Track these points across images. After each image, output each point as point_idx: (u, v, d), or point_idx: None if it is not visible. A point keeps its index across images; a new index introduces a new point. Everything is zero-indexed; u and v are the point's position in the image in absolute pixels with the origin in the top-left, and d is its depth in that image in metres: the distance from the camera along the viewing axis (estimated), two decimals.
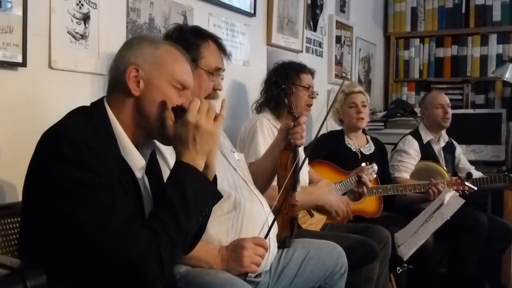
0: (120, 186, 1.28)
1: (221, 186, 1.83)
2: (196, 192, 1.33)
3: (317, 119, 3.74)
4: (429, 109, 3.57)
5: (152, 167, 1.51)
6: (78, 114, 1.38)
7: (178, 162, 1.36)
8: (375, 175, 2.97)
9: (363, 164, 2.88)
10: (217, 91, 1.96)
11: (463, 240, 3.22)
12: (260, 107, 2.75)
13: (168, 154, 1.72)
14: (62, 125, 1.33)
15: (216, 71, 1.92)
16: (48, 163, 1.26)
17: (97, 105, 1.41)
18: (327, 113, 2.18)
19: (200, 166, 1.37)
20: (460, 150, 3.75)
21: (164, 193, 1.33)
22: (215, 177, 1.47)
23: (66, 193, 1.23)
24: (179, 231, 1.28)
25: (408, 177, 3.40)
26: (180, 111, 1.38)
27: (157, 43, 1.46)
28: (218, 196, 1.46)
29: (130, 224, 1.24)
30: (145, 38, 1.48)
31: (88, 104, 1.45)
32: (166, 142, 1.45)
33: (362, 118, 3.16)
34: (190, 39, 1.89)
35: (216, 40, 1.95)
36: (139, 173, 1.40)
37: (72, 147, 1.24)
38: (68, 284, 1.27)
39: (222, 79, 2.00)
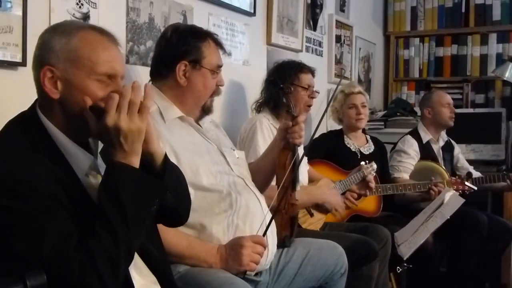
0: (55, 204, 1.18)
1: (219, 185, 1.85)
2: (134, 194, 1.22)
3: (315, 117, 3.74)
4: (436, 108, 3.52)
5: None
6: (13, 128, 1.30)
7: (109, 164, 1.26)
8: (374, 174, 2.97)
9: (362, 163, 2.88)
10: (220, 87, 1.98)
11: (463, 240, 3.22)
12: (260, 107, 2.75)
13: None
14: None
15: (218, 68, 1.95)
16: None
17: (30, 113, 1.32)
18: (324, 112, 2.16)
19: (134, 163, 1.25)
20: (458, 150, 3.75)
21: (99, 202, 1.22)
22: (165, 159, 1.37)
23: None
24: (116, 243, 1.18)
25: (408, 178, 3.40)
26: (99, 111, 1.25)
27: (70, 33, 1.29)
28: (163, 188, 1.33)
29: (62, 249, 1.15)
30: (56, 30, 1.31)
31: None
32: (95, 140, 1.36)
33: (362, 119, 3.16)
34: (190, 41, 1.90)
35: (213, 37, 1.96)
36: (92, 171, 1.32)
37: (2, 172, 1.16)
38: None
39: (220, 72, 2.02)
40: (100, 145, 1.39)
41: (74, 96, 1.27)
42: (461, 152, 3.78)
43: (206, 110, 1.97)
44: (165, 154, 1.38)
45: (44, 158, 1.23)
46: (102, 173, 1.33)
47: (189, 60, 1.89)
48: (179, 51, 1.89)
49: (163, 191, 1.34)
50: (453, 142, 3.72)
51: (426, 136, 3.55)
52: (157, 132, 1.39)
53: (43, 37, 1.32)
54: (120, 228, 1.19)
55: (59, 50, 1.27)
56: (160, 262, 1.45)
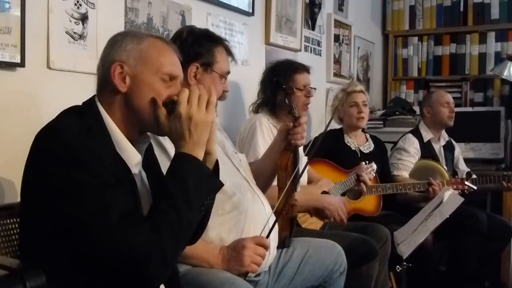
0: (116, 183, 1.27)
1: (224, 186, 1.84)
2: (197, 183, 1.32)
3: (316, 117, 3.74)
4: (435, 107, 3.53)
5: (149, 161, 1.51)
6: (70, 114, 1.37)
7: (178, 153, 1.36)
8: (374, 174, 2.97)
9: (362, 163, 2.88)
10: (226, 92, 2.01)
11: (462, 239, 3.22)
12: (257, 108, 2.74)
13: (169, 144, 1.73)
14: (54, 125, 1.33)
15: (227, 75, 1.98)
16: (42, 165, 1.26)
17: (89, 104, 1.41)
18: (332, 116, 2.16)
19: (200, 156, 1.37)
20: (458, 150, 3.75)
21: (165, 185, 1.33)
22: (217, 163, 1.47)
23: (63, 193, 1.23)
24: (181, 221, 1.27)
25: (407, 176, 3.40)
26: (171, 105, 1.37)
27: (141, 37, 1.43)
28: (219, 185, 1.46)
29: (129, 218, 1.24)
30: (128, 34, 1.46)
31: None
32: (162, 135, 1.47)
33: (363, 118, 3.16)
34: (205, 44, 1.92)
35: (225, 44, 1.99)
36: (135, 169, 1.40)
37: (65, 146, 1.25)
38: (70, 284, 1.27)
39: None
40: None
41: (140, 91, 1.38)
42: (461, 153, 3.78)
43: None
44: (217, 160, 1.47)
45: (103, 143, 1.32)
46: (142, 175, 1.45)
47: (201, 62, 1.91)
48: (193, 53, 1.91)
49: (218, 188, 1.46)
50: (454, 142, 3.72)
51: (427, 135, 3.55)
52: (216, 134, 1.48)
53: (114, 38, 1.44)
54: (185, 209, 1.28)
55: (130, 49, 1.39)
56: None
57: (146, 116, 1.38)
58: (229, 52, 1.99)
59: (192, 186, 1.30)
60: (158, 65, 1.39)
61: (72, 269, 1.27)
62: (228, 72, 1.98)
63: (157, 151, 1.65)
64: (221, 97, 1.98)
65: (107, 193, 1.24)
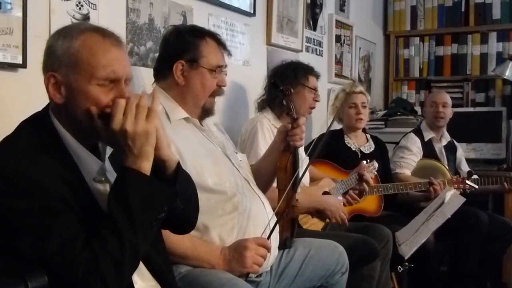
0: (62, 206, 1.19)
1: (224, 186, 1.84)
2: (143, 199, 1.22)
3: (315, 118, 3.74)
4: (426, 107, 3.66)
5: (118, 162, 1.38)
6: (25, 129, 1.31)
7: (120, 169, 1.26)
8: (376, 173, 2.97)
9: (364, 162, 2.88)
10: (222, 87, 1.96)
11: (463, 239, 3.22)
12: (262, 104, 2.75)
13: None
14: (2, 147, 1.27)
15: (218, 68, 1.92)
16: None
17: (43, 116, 1.33)
18: (334, 117, 2.16)
19: (144, 168, 1.25)
20: (461, 152, 3.75)
21: (108, 207, 1.23)
22: (177, 167, 1.37)
23: (5, 221, 1.17)
24: (122, 247, 1.19)
25: (409, 174, 3.42)
26: (107, 118, 1.25)
27: (72, 37, 1.28)
28: (171, 195, 1.32)
29: (67, 248, 1.17)
30: (60, 35, 1.31)
31: None
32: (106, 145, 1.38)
33: (361, 119, 3.16)
34: (187, 39, 1.89)
35: (214, 37, 1.94)
36: (99, 176, 1.33)
37: (5, 175, 1.17)
38: None
39: (226, 74, 1.99)
40: (109, 150, 1.40)
41: (77, 101, 1.27)
42: (463, 155, 3.78)
43: (206, 110, 1.95)
44: (178, 162, 1.38)
45: (54, 160, 1.24)
46: (109, 178, 1.35)
47: (186, 59, 1.87)
48: (176, 50, 1.88)
49: (172, 198, 1.33)
50: (456, 143, 3.73)
51: (428, 134, 3.58)
52: (168, 139, 1.38)
53: (48, 42, 1.33)
54: (127, 233, 1.20)
55: (60, 55, 1.28)
56: (161, 267, 1.45)
57: (86, 126, 1.28)
58: (220, 45, 1.93)
59: (136, 205, 1.21)
60: (91, 70, 1.26)
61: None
62: (220, 66, 1.92)
63: None
64: (215, 92, 1.93)
65: (47, 220, 1.17)
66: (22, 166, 1.19)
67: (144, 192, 1.23)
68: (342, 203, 2.66)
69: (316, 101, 2.72)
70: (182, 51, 1.87)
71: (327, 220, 2.75)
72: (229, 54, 2.02)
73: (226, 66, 1.97)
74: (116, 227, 1.19)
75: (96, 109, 1.26)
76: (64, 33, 1.31)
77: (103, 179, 1.35)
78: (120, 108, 1.24)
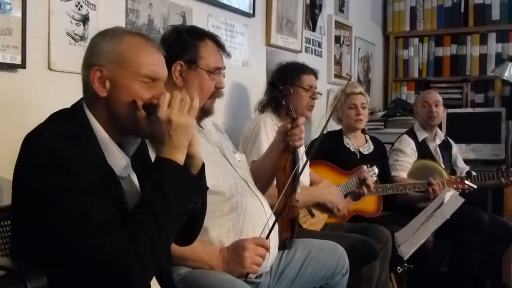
0: (99, 190, 1.26)
1: (222, 186, 1.84)
2: (176, 188, 1.30)
3: (315, 118, 3.74)
4: (418, 107, 3.64)
5: (141, 162, 1.49)
6: (57, 119, 1.37)
7: (156, 158, 1.34)
8: (376, 178, 2.97)
9: (364, 167, 2.88)
10: (220, 89, 1.95)
11: (464, 238, 3.22)
12: (263, 108, 2.75)
13: None
14: (40, 130, 1.32)
15: (217, 70, 1.91)
16: (26, 170, 1.27)
17: (76, 107, 1.40)
18: (329, 117, 2.16)
19: (180, 160, 1.34)
20: (456, 149, 3.75)
21: (143, 192, 1.32)
22: (203, 167, 1.45)
23: (44, 199, 1.23)
24: (159, 229, 1.26)
25: (405, 176, 3.42)
26: (152, 108, 1.34)
27: (120, 37, 1.39)
28: (203, 188, 1.44)
29: (107, 226, 1.22)
30: (107, 34, 1.41)
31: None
32: (142, 138, 1.46)
33: (361, 120, 3.16)
34: (187, 40, 1.88)
35: (213, 38, 1.93)
36: (124, 172, 1.39)
37: (48, 152, 1.24)
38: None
39: (224, 76, 1.99)
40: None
41: (120, 95, 1.35)
42: (459, 152, 3.78)
43: (205, 111, 1.95)
44: (203, 163, 1.45)
45: (87, 149, 1.31)
46: (132, 177, 1.42)
47: (185, 60, 1.86)
48: (175, 51, 1.87)
49: (202, 192, 1.44)
50: (451, 141, 3.73)
51: (421, 134, 3.58)
52: (198, 138, 1.45)
53: (93, 40, 1.41)
54: (163, 217, 1.27)
55: (108, 52, 1.36)
56: (162, 264, 1.46)
57: (126, 119, 1.36)
58: (218, 46, 1.93)
59: (171, 191, 1.29)
60: (137, 67, 1.36)
61: (56, 274, 1.25)
62: (218, 68, 1.91)
63: (150, 149, 1.60)
64: (214, 94, 1.93)
65: (87, 201, 1.23)
66: (68, 147, 1.26)
67: (179, 182, 1.31)
68: (343, 198, 2.67)
69: (314, 98, 2.71)
70: (181, 51, 1.86)
71: (327, 221, 2.75)
72: (228, 56, 2.01)
73: (224, 68, 1.97)
74: (154, 211, 1.26)
75: (139, 101, 1.35)
76: (111, 34, 1.41)
77: (126, 176, 1.40)
78: (167, 99, 1.33)
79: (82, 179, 1.24)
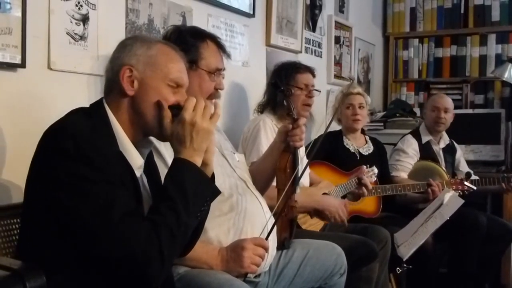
0: (121, 183, 1.30)
1: (221, 187, 1.83)
2: (195, 188, 1.35)
3: (319, 119, 3.74)
4: (426, 111, 3.63)
5: (149, 167, 1.53)
6: (78, 114, 1.40)
7: (177, 159, 1.39)
8: (375, 178, 2.97)
9: (364, 167, 2.88)
10: (219, 90, 1.95)
11: (462, 240, 3.22)
12: (262, 109, 2.75)
13: (167, 154, 1.72)
14: (63, 123, 1.36)
15: (217, 71, 1.91)
16: (50, 159, 1.29)
17: (96, 105, 1.44)
18: (332, 118, 2.15)
19: (198, 163, 1.39)
20: (460, 153, 3.75)
21: (164, 188, 1.35)
22: (213, 174, 1.49)
23: (68, 188, 1.25)
24: (179, 223, 1.30)
25: (406, 177, 3.42)
26: (177, 110, 1.40)
27: (151, 42, 1.47)
28: (216, 192, 1.48)
29: (130, 217, 1.26)
30: (138, 38, 1.50)
31: (87, 105, 1.47)
32: (163, 139, 1.48)
33: (358, 120, 3.16)
34: (189, 41, 1.88)
35: (215, 40, 1.94)
36: (137, 172, 1.43)
37: (73, 142, 1.27)
38: (69, 283, 1.28)
39: (223, 77, 1.99)
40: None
41: (148, 95, 1.42)
42: (462, 156, 3.78)
43: None
44: (213, 173, 1.49)
45: (108, 143, 1.36)
46: (143, 178, 1.48)
47: (186, 60, 1.87)
48: None
49: (215, 195, 1.48)
50: (456, 144, 3.73)
51: (426, 136, 3.57)
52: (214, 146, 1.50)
53: (124, 42, 1.48)
54: (183, 212, 1.31)
55: (140, 54, 1.43)
56: None
57: (150, 119, 1.42)
58: (219, 47, 1.94)
59: (191, 192, 1.33)
60: (166, 71, 1.43)
61: (71, 269, 1.28)
62: (219, 69, 1.92)
63: (156, 158, 1.65)
64: (212, 95, 1.92)
65: (111, 191, 1.26)
66: (93, 138, 1.31)
67: (197, 184, 1.37)
68: (344, 203, 2.65)
69: (310, 97, 2.70)
70: (182, 51, 1.87)
71: (326, 222, 2.75)
72: (229, 57, 2.02)
73: (224, 69, 1.97)
74: (174, 206, 1.30)
75: (165, 103, 1.41)
76: (142, 38, 1.50)
77: (139, 176, 1.44)
78: (193, 102, 1.39)
79: (106, 170, 1.27)
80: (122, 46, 1.46)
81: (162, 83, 1.42)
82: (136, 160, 1.43)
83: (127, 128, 1.42)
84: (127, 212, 1.26)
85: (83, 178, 1.25)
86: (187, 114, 1.38)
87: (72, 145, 1.27)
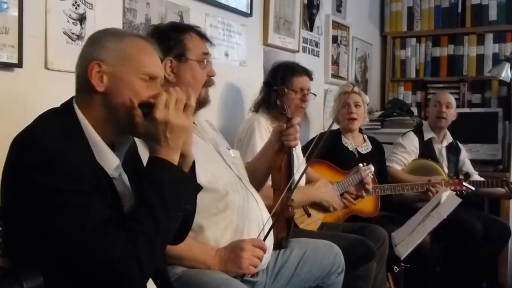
0: (94, 190, 1.25)
1: (217, 184, 1.84)
2: (174, 189, 1.30)
3: (313, 119, 3.74)
4: (430, 107, 3.68)
5: (131, 162, 1.47)
6: (47, 118, 1.35)
7: (153, 158, 1.33)
8: (372, 176, 2.97)
9: (360, 165, 2.88)
10: (212, 77, 1.96)
11: (456, 246, 3.23)
12: (258, 107, 2.75)
13: None
14: (30, 131, 1.30)
15: (205, 57, 1.91)
16: (19, 171, 1.24)
17: (67, 106, 1.37)
18: (333, 120, 2.14)
19: (175, 160, 1.34)
20: (465, 154, 3.76)
21: (141, 191, 1.30)
22: (193, 165, 1.45)
23: (40, 201, 1.20)
24: (157, 230, 1.26)
25: (399, 169, 3.47)
26: (148, 107, 1.33)
27: (122, 35, 1.40)
28: (197, 189, 1.45)
29: (105, 227, 1.21)
30: (108, 32, 1.42)
31: None
32: (137, 137, 1.44)
33: (353, 118, 3.16)
34: (172, 36, 1.89)
35: (195, 30, 1.95)
36: (115, 173, 1.37)
37: (40, 155, 1.21)
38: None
39: (210, 61, 1.98)
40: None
41: (119, 91, 1.34)
42: (467, 157, 3.78)
43: (202, 101, 1.94)
44: (194, 161, 1.45)
45: (79, 148, 1.29)
46: (123, 177, 1.41)
47: (173, 55, 1.87)
48: (162, 49, 1.87)
49: (197, 192, 1.45)
50: (460, 145, 3.74)
51: (428, 134, 3.61)
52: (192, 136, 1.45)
53: (94, 36, 1.41)
54: (162, 217, 1.27)
55: (110, 47, 1.36)
56: (160, 264, 1.46)
57: (122, 117, 1.34)
58: (201, 36, 1.94)
59: (169, 193, 1.29)
60: (138, 64, 1.36)
61: (53, 275, 1.24)
62: (205, 53, 1.92)
63: (141, 148, 1.59)
64: (207, 83, 1.93)
65: (84, 202, 1.21)
66: (61, 147, 1.24)
67: (175, 183, 1.31)
68: (337, 194, 2.68)
69: (304, 101, 2.68)
70: (168, 48, 1.87)
71: (326, 212, 2.75)
72: (212, 44, 2.02)
73: (210, 55, 1.97)
74: (152, 211, 1.26)
75: (137, 99, 1.34)
76: (111, 31, 1.43)
77: (117, 176, 1.39)
78: (164, 99, 1.32)
79: (77, 179, 1.22)
80: (92, 41, 1.39)
81: (135, 77, 1.35)
82: (112, 161, 1.36)
83: (100, 127, 1.35)
84: (102, 223, 1.21)
85: (54, 191, 1.20)
86: (159, 112, 1.31)
87: (39, 159, 1.21)
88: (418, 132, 3.63)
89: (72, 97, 1.39)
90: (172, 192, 1.29)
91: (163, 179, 1.29)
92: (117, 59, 1.35)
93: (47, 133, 1.27)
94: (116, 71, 1.34)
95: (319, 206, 2.64)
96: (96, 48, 1.36)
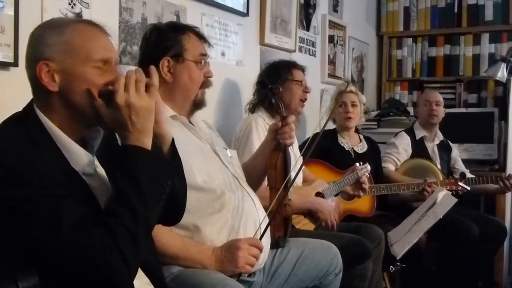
0: (64, 192, 1.21)
1: (212, 184, 1.84)
2: (149, 174, 1.26)
3: (310, 119, 3.75)
4: (419, 107, 3.71)
5: (110, 154, 1.39)
6: (8, 125, 1.30)
7: (123, 146, 1.28)
8: (369, 175, 2.98)
9: (357, 164, 2.89)
10: (209, 78, 1.96)
11: (452, 250, 3.23)
12: (253, 108, 2.75)
13: None
14: None
15: (202, 57, 1.92)
16: None
17: (27, 110, 1.33)
18: (328, 118, 2.16)
19: (147, 144, 1.28)
20: (456, 152, 3.78)
21: (116, 184, 1.26)
22: (173, 142, 1.42)
23: (9, 212, 1.16)
24: (137, 220, 1.22)
25: (393, 168, 3.48)
26: (109, 95, 1.27)
27: (61, 26, 1.31)
28: (175, 169, 1.40)
29: (80, 228, 1.18)
30: (46, 27, 1.33)
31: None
32: (106, 129, 1.37)
33: (350, 118, 3.16)
34: (170, 36, 1.89)
35: (194, 30, 1.95)
36: (89, 169, 1.33)
37: (3, 166, 1.17)
38: None
39: (208, 62, 1.99)
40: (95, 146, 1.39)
41: (74, 86, 1.29)
42: (459, 155, 3.80)
43: (198, 103, 1.95)
44: (173, 138, 1.41)
45: (46, 153, 1.25)
46: (99, 172, 1.36)
47: (171, 55, 1.87)
48: (160, 48, 1.88)
49: (175, 172, 1.39)
50: (450, 143, 3.76)
51: (420, 133, 3.64)
52: (165, 114, 1.40)
53: (34, 34, 1.33)
54: (139, 207, 1.23)
55: (52, 43, 1.29)
56: (152, 264, 1.46)
57: (85, 110, 1.29)
58: (199, 37, 1.95)
59: (144, 180, 1.24)
60: (86, 53, 1.29)
61: (47, 275, 1.22)
62: (203, 54, 1.92)
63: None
64: (204, 84, 1.94)
65: (55, 205, 1.18)
66: (22, 155, 1.20)
67: (150, 168, 1.27)
68: (335, 208, 2.67)
69: (306, 92, 2.73)
70: (166, 48, 1.88)
71: (317, 223, 2.75)
72: (210, 45, 2.02)
73: (208, 56, 1.97)
74: (128, 202, 1.22)
75: (95, 89, 1.28)
76: (50, 24, 1.34)
77: (93, 172, 1.35)
78: (122, 83, 1.27)
79: (45, 185, 1.18)
80: (32, 39, 1.32)
81: (86, 68, 1.28)
82: (83, 159, 1.31)
83: (65, 126, 1.30)
84: (77, 223, 1.18)
85: (21, 199, 1.16)
86: (119, 97, 1.25)
87: (4, 169, 1.16)
88: (410, 131, 3.66)
89: (31, 100, 1.35)
90: (147, 178, 1.25)
91: (135, 168, 1.24)
92: (62, 54, 1.28)
93: (9, 143, 1.23)
94: (65, 66, 1.28)
95: (313, 216, 2.64)
96: (38, 47, 1.29)
